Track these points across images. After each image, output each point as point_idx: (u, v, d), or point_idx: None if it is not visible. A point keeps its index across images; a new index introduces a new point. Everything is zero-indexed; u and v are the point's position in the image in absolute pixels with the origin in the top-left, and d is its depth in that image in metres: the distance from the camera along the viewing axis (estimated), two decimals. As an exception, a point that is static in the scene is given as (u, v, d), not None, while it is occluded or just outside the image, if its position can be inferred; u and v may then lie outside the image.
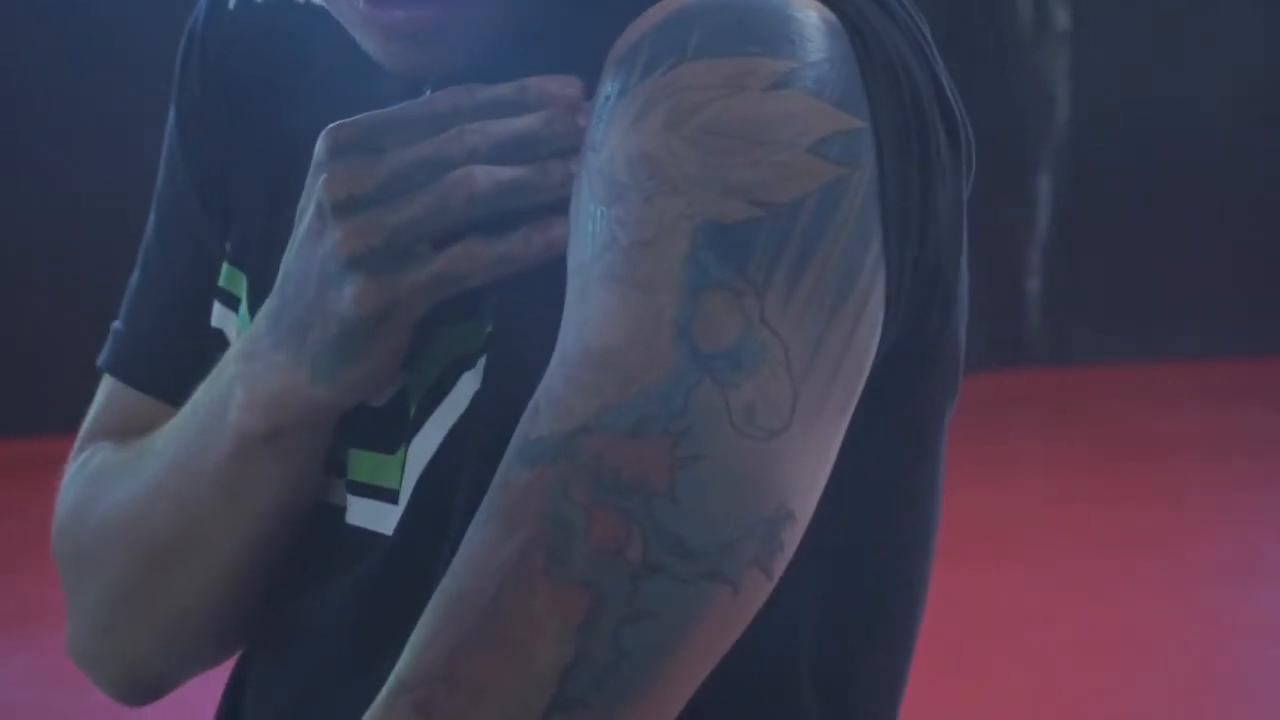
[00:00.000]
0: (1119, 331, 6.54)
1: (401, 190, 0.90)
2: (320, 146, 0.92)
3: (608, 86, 0.89)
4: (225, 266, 1.05)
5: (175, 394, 1.05)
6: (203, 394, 1.00)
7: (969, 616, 4.11)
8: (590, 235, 0.86)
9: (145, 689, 1.08)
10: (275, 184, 1.03)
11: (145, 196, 1.13)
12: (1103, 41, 6.52)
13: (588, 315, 0.85)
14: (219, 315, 1.06)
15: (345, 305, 0.91)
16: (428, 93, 0.96)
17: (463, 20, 0.92)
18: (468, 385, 0.93)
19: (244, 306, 1.04)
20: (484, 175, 0.89)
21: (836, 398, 0.86)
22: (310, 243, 0.93)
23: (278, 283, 0.95)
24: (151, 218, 1.11)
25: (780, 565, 0.84)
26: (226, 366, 0.98)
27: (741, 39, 0.86)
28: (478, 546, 0.83)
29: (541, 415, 0.84)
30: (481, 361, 0.93)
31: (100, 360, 1.10)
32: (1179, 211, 6.65)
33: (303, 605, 0.99)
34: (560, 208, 0.90)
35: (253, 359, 0.96)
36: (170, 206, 1.09)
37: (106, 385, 1.10)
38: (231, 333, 1.05)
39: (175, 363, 1.07)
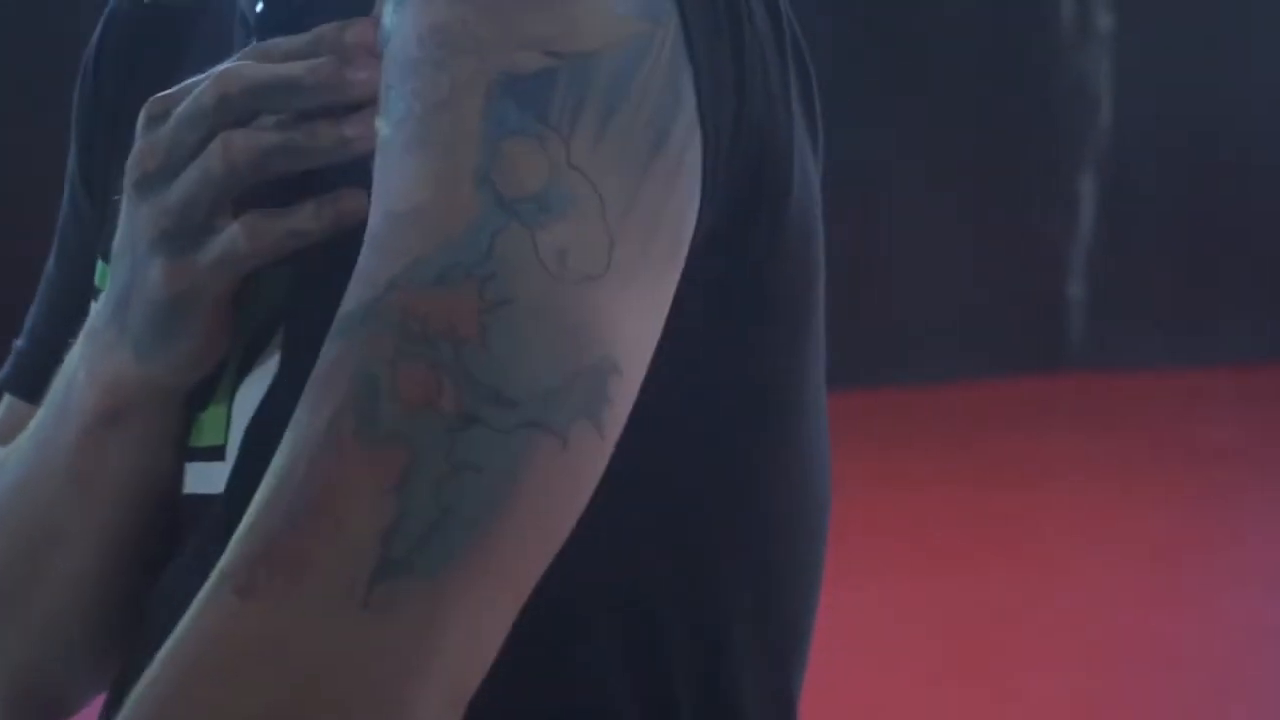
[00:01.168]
0: (1161, 336, 6.47)
1: (180, 161, 0.89)
2: (139, 119, 0.91)
3: None
4: (99, 264, 1.02)
5: None
6: (57, 380, 0.98)
7: (1002, 621, 4.08)
8: (386, 114, 0.84)
9: (37, 704, 1.05)
10: None
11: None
12: (1145, 44, 6.45)
13: (389, 185, 0.82)
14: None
15: (153, 286, 0.90)
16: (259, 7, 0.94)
17: None
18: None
19: None
20: (242, 140, 0.87)
21: (658, 255, 0.83)
22: (127, 222, 0.92)
23: (112, 262, 0.94)
24: (56, 243, 1.09)
25: (611, 422, 0.81)
26: (71, 357, 0.97)
27: None
28: (291, 429, 0.80)
29: (351, 290, 0.81)
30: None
31: (1, 377, 1.09)
32: (1223, 214, 6.58)
33: (154, 593, 0.96)
34: (352, 173, 0.87)
35: (92, 338, 0.95)
36: (68, 220, 1.08)
37: (6, 403, 1.09)
38: None
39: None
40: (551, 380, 0.79)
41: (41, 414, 0.99)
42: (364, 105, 0.86)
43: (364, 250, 0.82)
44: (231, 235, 0.88)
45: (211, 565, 0.86)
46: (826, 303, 0.97)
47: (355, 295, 0.80)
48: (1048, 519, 4.94)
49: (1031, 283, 6.52)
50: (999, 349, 6.37)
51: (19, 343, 1.09)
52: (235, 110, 0.88)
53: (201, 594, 0.79)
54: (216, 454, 0.93)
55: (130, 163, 0.90)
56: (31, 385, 1.06)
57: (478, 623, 0.78)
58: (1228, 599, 4.36)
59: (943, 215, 6.25)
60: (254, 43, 0.92)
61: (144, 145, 0.90)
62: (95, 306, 0.99)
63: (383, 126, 0.84)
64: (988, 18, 6.43)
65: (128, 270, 0.91)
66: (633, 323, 0.82)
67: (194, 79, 0.90)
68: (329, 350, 0.80)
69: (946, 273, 6.30)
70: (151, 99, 0.91)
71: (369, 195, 0.85)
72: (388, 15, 0.86)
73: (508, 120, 0.81)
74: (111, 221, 0.99)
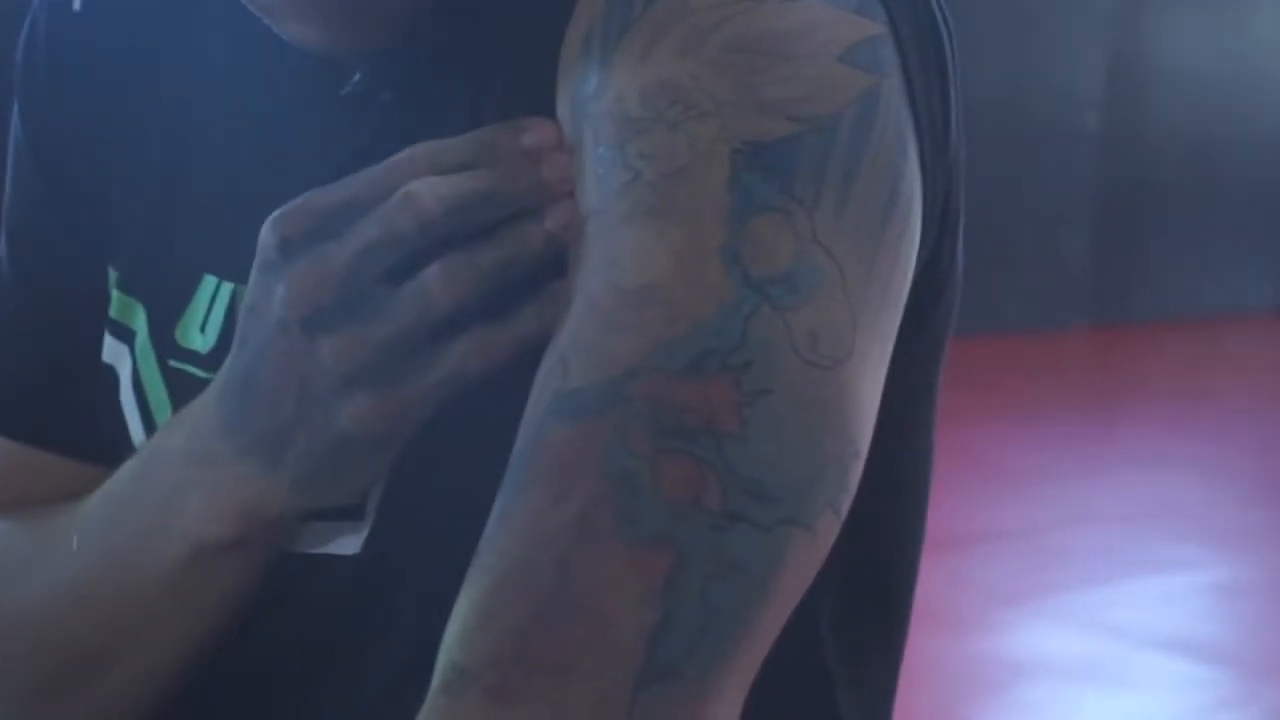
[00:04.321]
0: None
1: (365, 286, 0.81)
2: (266, 240, 0.83)
3: (591, 28, 0.82)
4: (115, 294, 0.95)
5: (64, 443, 0.97)
6: (131, 492, 0.91)
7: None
8: (599, 179, 0.79)
9: None
10: (163, 196, 0.94)
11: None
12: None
13: (615, 256, 0.77)
14: (111, 349, 0.96)
15: (344, 424, 0.83)
16: (356, 78, 0.88)
17: None
18: None
19: (143, 341, 0.94)
20: (464, 268, 0.81)
21: (885, 321, 0.80)
22: (279, 356, 0.84)
23: (232, 384, 0.86)
24: (4, 249, 1.00)
25: (846, 507, 0.78)
26: (164, 466, 0.89)
27: None
28: (524, 514, 0.75)
29: (574, 366, 0.76)
30: None
31: None
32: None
33: (244, 652, 0.91)
34: (556, 272, 0.81)
35: (209, 465, 0.87)
36: (27, 232, 0.98)
37: None
38: (125, 371, 0.95)
39: (57, 408, 0.97)
40: (807, 472, 0.75)
41: (111, 522, 0.91)
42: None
43: (583, 322, 0.76)
44: (460, 355, 0.82)
45: (345, 627, 0.86)
46: None
47: (584, 373, 0.75)
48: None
49: None
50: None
51: None
52: (438, 234, 0.81)
53: (435, 697, 0.73)
54: (345, 514, 0.87)
55: (284, 300, 0.82)
56: (5, 419, 0.98)
57: (734, 710, 0.75)
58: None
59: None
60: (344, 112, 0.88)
61: (305, 274, 0.81)
62: (121, 349, 0.93)
63: (589, 192, 0.79)
64: None
65: (291, 408, 0.83)
66: (869, 402, 0.79)
67: (320, 196, 0.82)
68: (557, 430, 0.75)
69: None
70: (279, 218, 0.82)
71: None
72: (581, 78, 0.81)
73: (755, 193, 0.76)
74: (128, 251, 0.93)
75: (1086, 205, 8.21)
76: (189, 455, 0.88)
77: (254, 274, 0.84)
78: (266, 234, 0.83)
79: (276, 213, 0.83)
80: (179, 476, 0.88)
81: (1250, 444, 6.37)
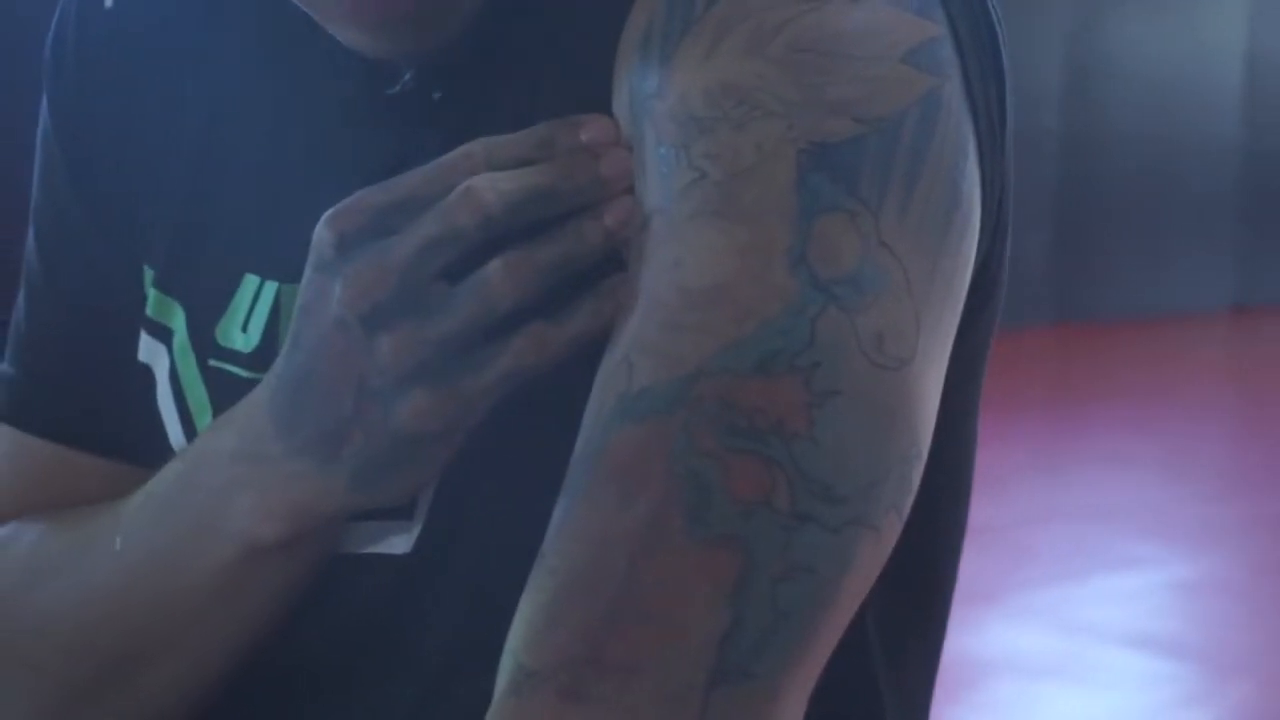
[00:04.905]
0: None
1: (424, 283, 0.81)
2: (322, 238, 0.83)
3: (651, 26, 0.82)
4: (153, 293, 0.94)
5: (99, 442, 0.96)
6: (177, 493, 0.90)
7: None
8: (662, 178, 0.78)
9: None
10: (199, 194, 0.93)
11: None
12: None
13: (680, 256, 0.77)
14: (147, 349, 0.95)
15: (402, 420, 0.83)
16: (406, 76, 0.88)
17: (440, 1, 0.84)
18: None
19: (181, 340, 0.93)
20: (525, 263, 0.81)
21: (947, 322, 0.80)
22: (336, 354, 0.83)
23: (285, 384, 0.85)
24: (32, 245, 0.99)
25: (909, 507, 0.78)
26: (212, 466, 0.88)
27: None
28: (590, 515, 0.74)
29: (640, 367, 0.76)
30: None
31: None
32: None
33: (280, 650, 0.90)
34: (613, 269, 0.82)
35: (261, 463, 0.86)
36: (58, 230, 0.97)
37: (4, 438, 0.99)
38: (162, 371, 0.94)
39: (92, 407, 0.96)
40: (874, 474, 0.75)
41: (157, 521, 0.90)
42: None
43: (648, 321, 0.76)
44: (516, 351, 0.81)
45: (389, 626, 0.86)
46: None
47: (650, 373, 0.75)
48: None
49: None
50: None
51: (7, 367, 0.99)
52: (499, 230, 0.81)
53: (501, 699, 0.73)
54: (395, 513, 0.87)
55: (342, 299, 0.81)
56: (40, 419, 0.98)
57: (799, 710, 0.75)
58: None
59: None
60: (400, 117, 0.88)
61: (363, 271, 0.81)
62: (158, 348, 0.93)
63: (651, 191, 0.78)
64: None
65: (349, 404, 0.83)
66: (931, 402, 0.79)
67: (376, 192, 0.82)
68: (624, 431, 0.74)
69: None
70: (335, 215, 0.82)
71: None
72: (640, 73, 0.81)
73: (822, 194, 0.76)
74: (163, 249, 0.93)
75: (1045, 206, 8.25)
76: (239, 455, 0.87)
77: (308, 272, 0.83)
78: (322, 232, 0.82)
79: (331, 210, 0.82)
80: (229, 476, 0.87)
81: (1211, 441, 6.41)
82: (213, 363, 0.92)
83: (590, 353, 0.80)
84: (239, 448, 0.87)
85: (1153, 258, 8.70)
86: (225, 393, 0.90)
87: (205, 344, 0.92)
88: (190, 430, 0.93)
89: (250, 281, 0.91)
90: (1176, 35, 8.65)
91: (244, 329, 0.91)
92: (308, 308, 0.83)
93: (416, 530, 0.87)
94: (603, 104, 0.83)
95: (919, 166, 0.78)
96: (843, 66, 0.78)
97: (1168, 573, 4.70)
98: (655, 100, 0.80)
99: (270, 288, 0.91)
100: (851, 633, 0.78)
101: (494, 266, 0.81)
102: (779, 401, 0.74)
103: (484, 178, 0.81)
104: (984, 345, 0.92)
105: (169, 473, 0.91)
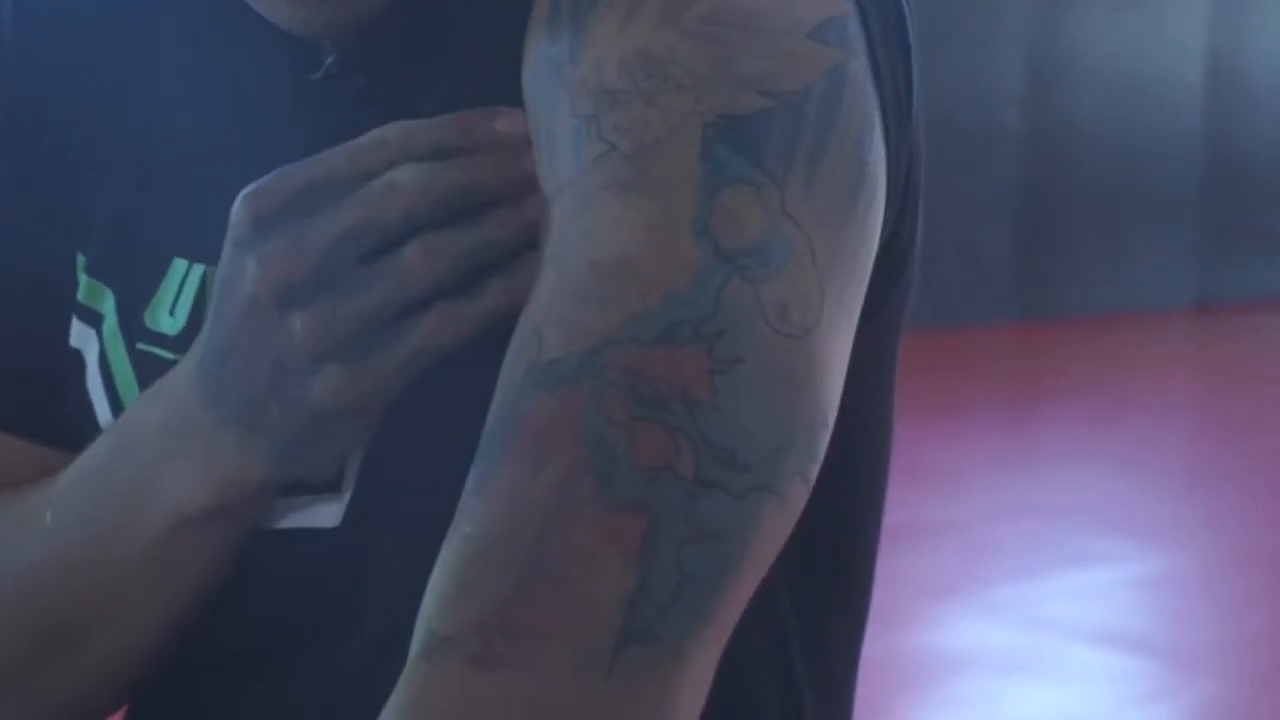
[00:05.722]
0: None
1: (341, 266, 0.82)
2: (239, 215, 0.84)
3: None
4: (84, 279, 0.95)
5: (30, 427, 0.97)
6: (108, 466, 0.91)
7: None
8: (574, 149, 0.80)
9: None
10: (133, 181, 0.94)
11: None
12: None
13: (589, 229, 0.78)
14: (78, 334, 0.96)
15: (318, 396, 0.84)
16: (329, 61, 0.89)
17: None
18: None
19: (110, 325, 0.94)
20: (445, 247, 0.82)
21: (852, 294, 0.81)
22: (252, 330, 0.84)
23: (209, 357, 0.86)
24: None
25: (815, 474, 0.79)
26: (141, 439, 0.89)
27: None
28: (501, 483, 0.76)
29: (548, 337, 0.77)
30: None
31: None
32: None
33: (229, 626, 0.92)
34: (526, 247, 0.83)
35: (187, 436, 0.88)
36: None
37: None
38: (91, 355, 0.95)
39: (24, 392, 0.97)
40: (778, 440, 0.76)
41: (86, 496, 0.91)
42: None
43: (557, 294, 0.78)
44: (426, 329, 0.83)
45: (322, 602, 0.88)
46: None
47: (560, 344, 0.76)
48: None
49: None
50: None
51: None
52: (422, 221, 0.82)
53: (413, 665, 0.75)
54: (323, 488, 0.88)
55: (256, 278, 0.83)
56: None
57: (708, 673, 0.76)
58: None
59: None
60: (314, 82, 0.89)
61: (280, 253, 0.82)
62: (88, 332, 0.94)
63: (561, 161, 0.79)
64: None
65: (265, 379, 0.84)
66: (837, 371, 0.80)
67: (294, 172, 0.83)
68: (535, 400, 0.76)
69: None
70: (251, 195, 0.83)
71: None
72: (550, 37, 0.82)
73: (726, 166, 0.77)
74: (98, 237, 0.94)
75: (1007, 203, 8.28)
76: (168, 427, 0.88)
77: (226, 249, 0.84)
78: (238, 210, 0.83)
79: (248, 189, 0.83)
80: (159, 448, 0.88)
81: (1172, 437, 6.44)
82: (140, 346, 0.93)
83: (508, 329, 0.80)
84: (167, 419, 0.88)
85: (1115, 255, 8.73)
86: (153, 376, 0.91)
87: (134, 328, 0.93)
88: (119, 412, 0.93)
89: (179, 265, 0.92)
90: (1138, 33, 8.69)
91: (171, 312, 0.92)
92: (226, 283, 0.84)
93: (344, 504, 0.88)
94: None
95: (824, 140, 0.80)
96: (752, 41, 0.79)
97: (1130, 568, 4.72)
98: (569, 67, 0.81)
99: (197, 271, 0.91)
100: (767, 615, 0.80)
101: (411, 249, 0.82)
102: (683, 370, 0.75)
103: (408, 170, 0.82)
104: (897, 320, 0.94)
105: (99, 446, 0.91)
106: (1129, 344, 8.13)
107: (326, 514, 0.89)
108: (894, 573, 4.40)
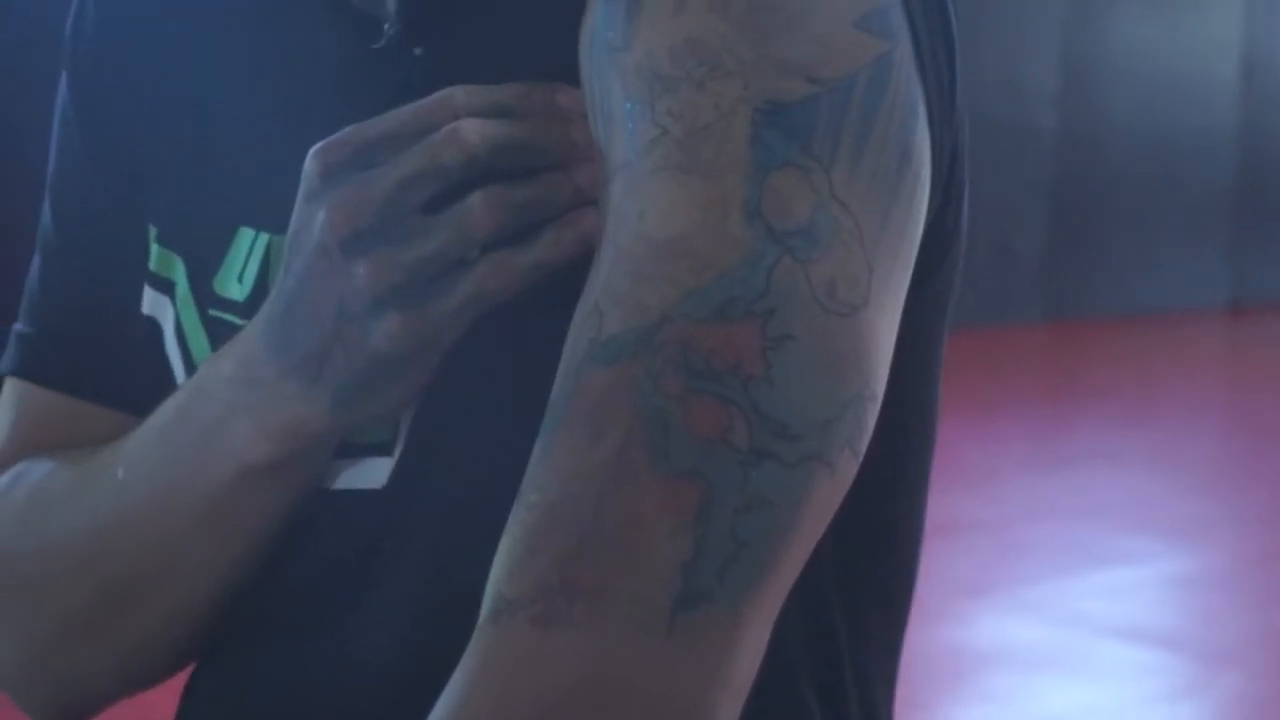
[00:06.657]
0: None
1: (404, 213, 0.86)
2: (309, 169, 0.88)
3: None
4: (155, 248, 0.99)
5: (106, 393, 1.01)
6: (178, 421, 0.94)
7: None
8: (629, 134, 0.83)
9: (81, 712, 1.02)
10: (198, 152, 0.98)
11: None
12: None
13: (644, 209, 0.81)
14: (151, 301, 1.00)
15: (377, 341, 0.88)
16: (389, 31, 0.93)
17: None
18: None
19: (183, 292, 0.98)
20: (503, 197, 0.86)
21: (898, 274, 0.84)
22: (319, 278, 0.88)
23: (276, 310, 0.90)
24: (48, 214, 1.04)
25: (864, 448, 0.82)
26: (211, 393, 0.93)
27: None
28: (563, 453, 0.79)
29: (609, 314, 0.80)
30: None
31: (5, 366, 1.04)
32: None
33: (282, 582, 0.95)
34: (573, 208, 0.87)
35: (255, 387, 0.91)
36: (69, 191, 1.03)
37: (17, 392, 1.04)
38: (168, 322, 0.99)
39: (100, 359, 1.01)
40: (828, 413, 0.79)
41: (156, 450, 0.95)
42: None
43: (615, 272, 0.81)
44: (478, 276, 0.86)
45: (373, 562, 0.91)
46: None
47: (618, 320, 0.79)
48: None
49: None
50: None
51: (19, 326, 1.04)
52: (480, 169, 0.86)
53: (484, 626, 0.78)
54: (378, 450, 0.92)
55: (324, 224, 0.87)
56: (52, 372, 1.02)
57: (763, 638, 0.79)
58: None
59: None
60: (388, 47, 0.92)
61: (346, 199, 0.86)
62: (162, 300, 0.97)
63: (618, 144, 0.83)
64: None
65: (329, 325, 0.88)
66: (884, 348, 0.83)
67: (362, 128, 0.87)
68: (594, 374, 0.79)
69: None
70: (321, 149, 0.87)
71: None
72: (605, 21, 0.85)
73: (775, 150, 0.81)
74: (166, 206, 0.98)
75: (1040, 202, 8.28)
76: (236, 380, 0.92)
77: (298, 204, 0.88)
78: (310, 164, 0.87)
79: (319, 144, 0.87)
80: (227, 401, 0.92)
81: (1203, 437, 6.45)
82: (212, 312, 0.97)
83: (556, 299, 0.85)
84: (235, 374, 0.92)
85: (1148, 255, 8.72)
86: (224, 341, 0.94)
87: (205, 295, 0.97)
88: None
89: (245, 234, 0.96)
90: (1173, 32, 8.68)
91: (239, 279, 0.96)
92: (296, 236, 0.88)
93: (392, 465, 0.92)
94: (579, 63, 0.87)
95: (870, 126, 0.83)
96: (798, 29, 0.82)
97: (1160, 566, 4.74)
98: (623, 53, 0.84)
99: (263, 239, 0.95)
100: (809, 580, 0.82)
101: (475, 198, 0.86)
102: (736, 345, 0.78)
103: (469, 121, 0.86)
104: (944, 300, 0.97)
105: (170, 404, 0.95)
106: (1162, 344, 8.12)
107: (377, 475, 0.93)
108: (928, 570, 4.38)
